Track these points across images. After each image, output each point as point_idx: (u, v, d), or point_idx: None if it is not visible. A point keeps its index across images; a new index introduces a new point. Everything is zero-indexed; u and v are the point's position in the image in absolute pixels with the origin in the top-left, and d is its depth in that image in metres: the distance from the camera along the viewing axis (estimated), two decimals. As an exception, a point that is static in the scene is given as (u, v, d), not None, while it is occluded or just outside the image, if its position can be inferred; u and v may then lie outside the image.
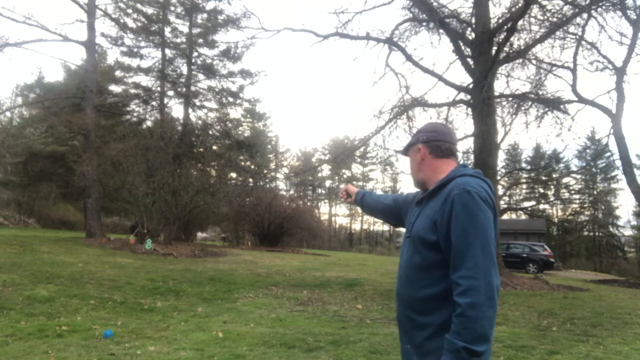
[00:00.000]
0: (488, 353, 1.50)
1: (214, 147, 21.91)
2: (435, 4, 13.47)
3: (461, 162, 1.82)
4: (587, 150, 33.85)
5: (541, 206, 44.78)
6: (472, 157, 15.82)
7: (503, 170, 35.07)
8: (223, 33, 25.09)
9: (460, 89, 14.08)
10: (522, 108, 14.35)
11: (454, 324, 1.46)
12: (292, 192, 47.14)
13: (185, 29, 23.77)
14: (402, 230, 1.99)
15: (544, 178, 36.69)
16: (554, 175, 34.67)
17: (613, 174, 42.21)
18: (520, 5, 12.29)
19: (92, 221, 17.35)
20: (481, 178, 1.64)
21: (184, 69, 24.35)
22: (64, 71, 28.20)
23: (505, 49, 13.04)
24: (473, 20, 13.88)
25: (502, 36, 12.86)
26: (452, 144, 1.79)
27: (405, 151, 1.91)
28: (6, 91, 58.24)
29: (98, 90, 19.77)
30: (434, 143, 1.77)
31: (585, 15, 13.00)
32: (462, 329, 1.43)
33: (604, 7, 12.77)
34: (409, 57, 13.94)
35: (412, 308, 1.65)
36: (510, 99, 14.60)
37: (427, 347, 1.58)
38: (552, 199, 41.78)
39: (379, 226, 59.75)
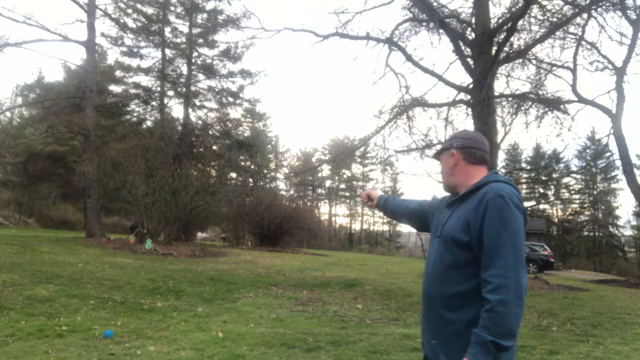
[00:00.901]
0: (513, 349, 1.60)
1: (214, 147, 21.90)
2: (435, 4, 13.46)
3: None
4: (587, 150, 33.82)
5: (541, 206, 44.81)
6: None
7: (503, 170, 35.06)
8: (223, 33, 25.10)
9: (460, 89, 14.06)
10: (522, 108, 14.33)
11: (482, 319, 1.54)
12: (292, 192, 47.14)
13: (185, 29, 23.79)
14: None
15: (544, 178, 36.73)
16: (554, 175, 34.66)
17: (613, 174, 42.18)
18: (520, 5, 12.28)
19: (92, 221, 17.34)
20: (512, 185, 1.73)
21: (184, 69, 24.36)
22: (64, 71, 28.20)
23: (505, 49, 13.02)
24: (473, 20, 13.86)
25: (502, 36, 12.84)
26: (485, 152, 1.87)
27: (438, 155, 1.99)
28: (6, 91, 58.32)
29: (98, 90, 19.76)
30: (468, 150, 1.85)
31: (585, 15, 12.99)
32: (491, 324, 1.51)
33: (604, 7, 12.76)
34: (409, 57, 13.93)
35: (441, 305, 1.72)
36: (510, 99, 14.58)
37: (454, 342, 1.65)
38: (552, 199, 41.79)
39: (379, 226, 59.77)
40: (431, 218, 2.03)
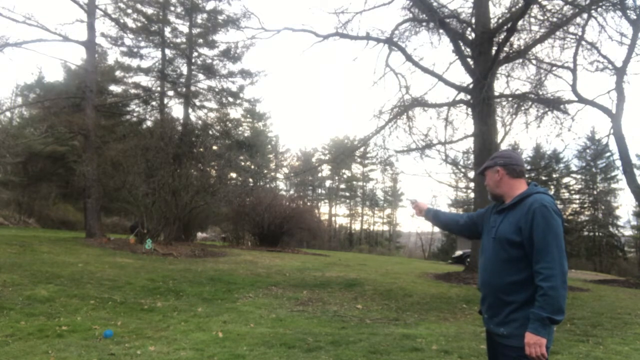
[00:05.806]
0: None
1: (214, 147, 21.86)
2: (435, 4, 13.47)
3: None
4: (587, 150, 33.70)
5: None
6: (472, 157, 15.82)
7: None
8: (223, 33, 24.98)
9: (460, 89, 14.06)
10: (522, 108, 14.34)
11: (538, 301, 2.01)
12: (292, 192, 47.12)
13: (185, 29, 23.75)
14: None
15: (544, 178, 36.64)
16: (554, 175, 34.60)
17: (613, 174, 41.99)
18: (520, 5, 12.29)
19: (92, 221, 17.33)
20: (550, 195, 2.21)
21: (184, 69, 24.32)
22: (64, 71, 28.12)
23: (505, 49, 13.03)
24: (473, 20, 13.87)
25: (502, 36, 12.85)
26: (522, 166, 2.35)
27: (482, 171, 2.43)
28: (6, 91, 58.16)
29: (98, 90, 19.74)
30: (510, 167, 2.31)
31: (585, 15, 12.99)
32: (546, 304, 1.98)
33: (604, 7, 12.76)
34: (409, 57, 13.93)
35: (500, 291, 2.18)
36: (510, 99, 14.59)
37: (511, 317, 2.13)
38: (552, 199, 41.58)
39: (379, 226, 59.74)
40: (481, 226, 2.48)
